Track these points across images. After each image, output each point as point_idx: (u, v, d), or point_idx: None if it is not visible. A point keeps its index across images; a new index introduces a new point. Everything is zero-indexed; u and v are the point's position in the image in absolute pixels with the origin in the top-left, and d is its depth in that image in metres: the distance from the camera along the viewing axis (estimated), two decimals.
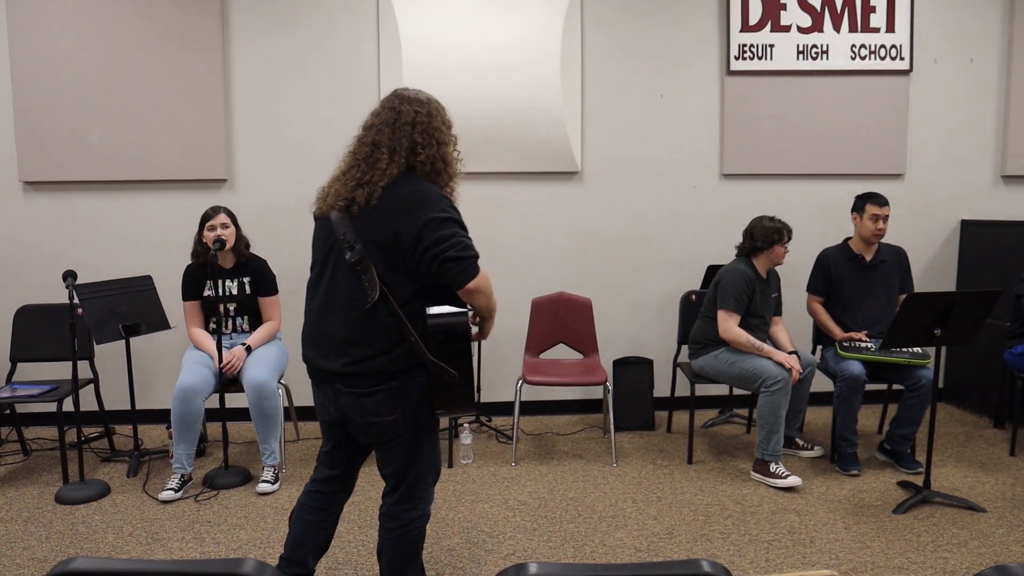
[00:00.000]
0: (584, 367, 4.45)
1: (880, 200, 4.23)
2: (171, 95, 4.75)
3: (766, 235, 4.13)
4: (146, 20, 4.72)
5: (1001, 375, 4.76)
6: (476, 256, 2.19)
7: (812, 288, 4.45)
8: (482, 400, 4.97)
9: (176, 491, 3.78)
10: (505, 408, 4.97)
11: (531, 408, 5.11)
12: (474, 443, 4.50)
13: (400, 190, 2.18)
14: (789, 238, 4.19)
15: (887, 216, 4.23)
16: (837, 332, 4.31)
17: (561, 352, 4.69)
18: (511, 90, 4.84)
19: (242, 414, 4.79)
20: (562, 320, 4.61)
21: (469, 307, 2.26)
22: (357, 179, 2.21)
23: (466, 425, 4.49)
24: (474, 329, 2.34)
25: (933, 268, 5.36)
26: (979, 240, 5.20)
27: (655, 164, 5.09)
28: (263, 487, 3.84)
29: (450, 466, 4.20)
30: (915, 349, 4.01)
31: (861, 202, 4.28)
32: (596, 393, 5.10)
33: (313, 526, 2.53)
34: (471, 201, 4.94)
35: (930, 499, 3.73)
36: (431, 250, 2.14)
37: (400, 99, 2.29)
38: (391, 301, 2.16)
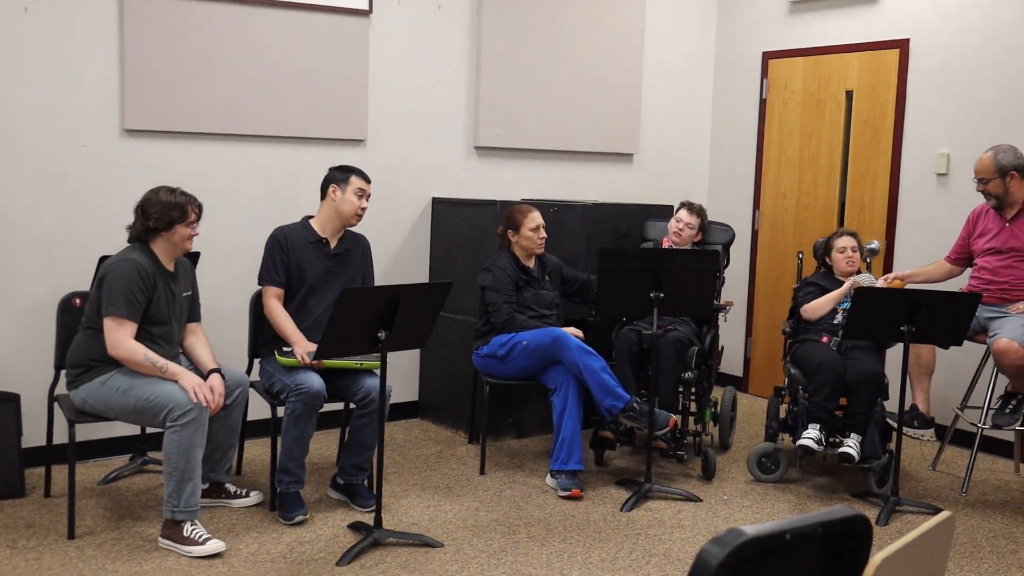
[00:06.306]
0: None
1: (367, 177, 3.87)
2: None
3: (163, 212, 3.40)
4: None
5: (473, 382, 4.51)
6: None
7: (268, 278, 3.77)
8: None
9: None
10: None
11: None
12: None
13: None
14: (198, 217, 3.48)
15: (369, 195, 3.88)
16: (299, 340, 3.65)
17: None
18: None
19: None
20: None
21: None
22: None
23: None
24: None
25: (406, 253, 4.95)
26: (452, 220, 4.93)
27: (23, 111, 3.91)
28: None
29: None
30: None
31: (345, 173, 3.83)
32: None
33: None
34: None
35: (382, 540, 3.42)
36: None
37: None
38: None
